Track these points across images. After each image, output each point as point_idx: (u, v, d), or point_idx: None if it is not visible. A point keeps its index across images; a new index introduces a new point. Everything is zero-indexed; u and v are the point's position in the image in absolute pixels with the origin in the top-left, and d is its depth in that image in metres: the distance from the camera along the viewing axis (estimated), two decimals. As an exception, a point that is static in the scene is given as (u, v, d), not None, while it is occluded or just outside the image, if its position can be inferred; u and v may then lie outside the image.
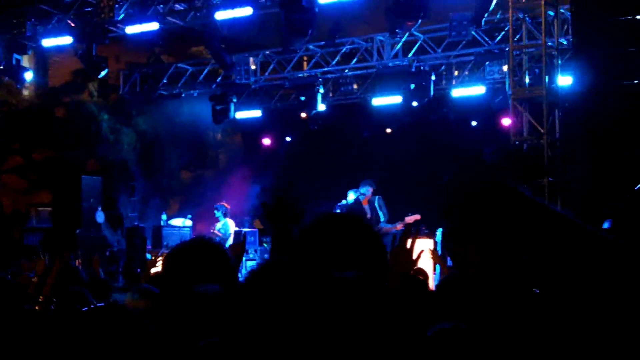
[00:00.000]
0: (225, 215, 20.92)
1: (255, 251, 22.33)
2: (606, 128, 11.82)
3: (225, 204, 20.92)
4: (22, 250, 19.49)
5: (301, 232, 3.17)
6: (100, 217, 21.23)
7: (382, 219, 17.82)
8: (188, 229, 21.65)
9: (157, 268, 6.48)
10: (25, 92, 23.64)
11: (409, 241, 3.30)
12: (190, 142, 23.89)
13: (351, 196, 18.72)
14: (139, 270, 19.33)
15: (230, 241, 20.78)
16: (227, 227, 20.74)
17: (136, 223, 23.36)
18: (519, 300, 2.88)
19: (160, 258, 8.75)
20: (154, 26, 18.89)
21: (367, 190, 17.51)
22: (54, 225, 21.37)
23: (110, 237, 22.13)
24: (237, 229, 21.87)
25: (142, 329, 3.24)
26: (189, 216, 22.56)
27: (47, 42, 20.08)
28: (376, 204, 17.68)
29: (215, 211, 21.03)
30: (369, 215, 17.36)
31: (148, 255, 20.26)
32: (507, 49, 18.03)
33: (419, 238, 3.66)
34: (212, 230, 20.77)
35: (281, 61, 22.31)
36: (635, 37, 11.70)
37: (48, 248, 20.06)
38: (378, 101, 22.11)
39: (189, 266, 3.71)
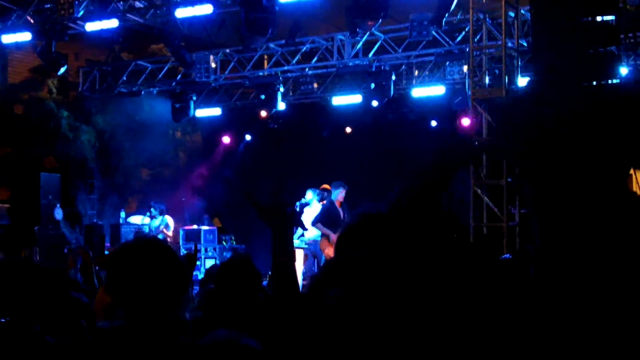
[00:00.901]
0: (162, 213, 21.00)
1: (215, 249, 22.35)
2: (563, 130, 11.93)
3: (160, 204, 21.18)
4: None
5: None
6: (58, 214, 21.10)
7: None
8: (147, 226, 21.60)
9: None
10: (-17, 89, 23.47)
11: None
12: (149, 140, 23.79)
13: (309, 195, 18.81)
14: (97, 267, 19.24)
15: (170, 233, 20.93)
16: (165, 221, 20.86)
17: (95, 220, 23.27)
18: None
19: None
20: (113, 23, 18.78)
21: (339, 192, 17.65)
22: (11, 221, 21.20)
23: (69, 235, 21.98)
24: (196, 227, 21.97)
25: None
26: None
27: (6, 39, 19.92)
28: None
29: (152, 209, 21.08)
30: (342, 217, 17.47)
31: (107, 252, 20.21)
32: (467, 49, 18.13)
33: None
34: (162, 229, 20.79)
35: (241, 59, 22.30)
36: (595, 39, 11.82)
37: (5, 244, 19.94)
38: (338, 100, 22.19)
39: (135, 266, 3.67)
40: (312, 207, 19.13)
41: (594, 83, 12.03)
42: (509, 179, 16.42)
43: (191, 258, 6.63)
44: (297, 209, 19.45)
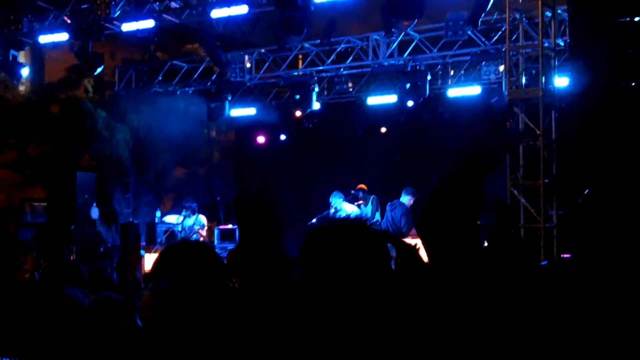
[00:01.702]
0: (194, 212, 21.04)
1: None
2: (602, 130, 11.84)
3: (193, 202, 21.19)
4: (17, 244, 19.45)
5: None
6: (94, 213, 21.24)
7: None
8: (179, 225, 21.65)
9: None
10: (22, 88, 23.63)
11: None
12: (184, 139, 23.87)
13: (335, 203, 19.06)
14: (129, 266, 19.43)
15: (204, 233, 20.97)
16: (200, 222, 20.89)
17: (130, 219, 23.36)
18: None
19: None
20: (149, 24, 18.86)
21: (409, 199, 18.08)
22: (48, 220, 21.35)
23: (105, 233, 22.13)
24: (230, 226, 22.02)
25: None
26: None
27: (44, 39, 20.05)
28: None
29: (184, 209, 21.11)
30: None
31: (142, 252, 20.31)
32: (503, 49, 18.04)
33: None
34: (197, 230, 20.81)
35: (276, 59, 22.34)
36: (633, 39, 11.72)
37: (42, 243, 20.04)
38: (373, 100, 22.16)
39: (177, 266, 3.70)
40: (342, 207, 19.18)
41: (632, 83, 11.92)
42: (547, 180, 16.31)
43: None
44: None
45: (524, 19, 17.25)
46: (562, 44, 17.58)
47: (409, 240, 3.86)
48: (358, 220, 3.03)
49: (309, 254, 2.96)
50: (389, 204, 18.12)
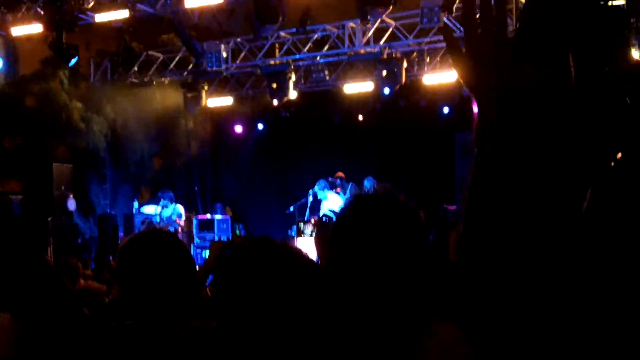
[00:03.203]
0: (172, 201, 21.00)
1: (228, 238, 22.30)
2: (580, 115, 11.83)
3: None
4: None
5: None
6: (71, 204, 21.15)
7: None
8: (158, 216, 21.61)
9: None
10: (-5, 81, 23.52)
11: None
12: (161, 130, 23.80)
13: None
14: (110, 257, 19.34)
15: (182, 222, 20.95)
16: (178, 211, 20.86)
17: (108, 210, 23.31)
18: None
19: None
20: (124, 14, 18.81)
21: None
22: (24, 212, 21.24)
23: (82, 225, 22.06)
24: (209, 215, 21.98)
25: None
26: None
27: (17, 31, 19.95)
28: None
29: (161, 199, 21.07)
30: None
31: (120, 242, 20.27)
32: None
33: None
34: (176, 220, 20.78)
35: (252, 48, 22.23)
36: (605, 24, 11.76)
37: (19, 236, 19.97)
38: (350, 88, 22.12)
39: (144, 257, 3.67)
40: (328, 198, 19.24)
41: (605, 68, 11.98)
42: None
43: (217, 246, 6.59)
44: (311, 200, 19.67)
45: (498, 5, 17.23)
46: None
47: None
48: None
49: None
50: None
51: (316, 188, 19.54)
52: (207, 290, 6.27)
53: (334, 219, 3.05)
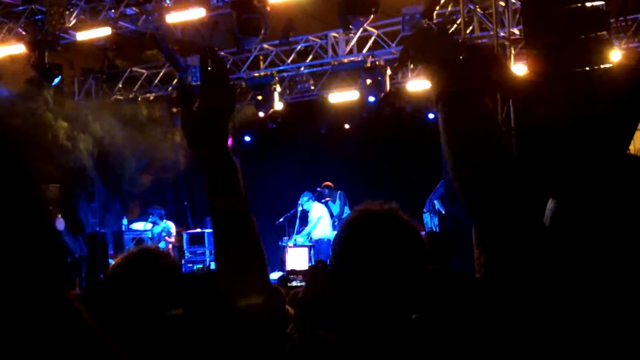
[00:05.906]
0: (161, 218, 20.99)
1: (211, 252, 22.28)
2: (559, 116, 11.89)
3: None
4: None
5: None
6: (60, 224, 21.12)
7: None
8: (149, 232, 21.60)
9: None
10: (-21, 103, 23.46)
11: None
12: (148, 146, 23.80)
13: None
14: (101, 276, 19.29)
15: (172, 239, 20.94)
16: (168, 228, 20.86)
17: (97, 229, 23.27)
18: None
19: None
20: (106, 31, 18.80)
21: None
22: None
23: (72, 244, 22.04)
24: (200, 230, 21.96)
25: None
26: None
27: (-1, 52, 19.96)
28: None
29: (150, 216, 21.06)
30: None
31: (111, 261, 20.23)
32: (459, 40, 18.07)
33: None
34: (165, 238, 20.78)
35: (236, 61, 22.27)
36: (584, 24, 11.80)
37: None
38: (335, 97, 22.17)
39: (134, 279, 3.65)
40: (312, 208, 19.27)
41: (586, 68, 11.98)
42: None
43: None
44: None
45: (478, 10, 17.30)
46: (517, 32, 17.63)
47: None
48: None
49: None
50: None
51: (301, 200, 19.62)
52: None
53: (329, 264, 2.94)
